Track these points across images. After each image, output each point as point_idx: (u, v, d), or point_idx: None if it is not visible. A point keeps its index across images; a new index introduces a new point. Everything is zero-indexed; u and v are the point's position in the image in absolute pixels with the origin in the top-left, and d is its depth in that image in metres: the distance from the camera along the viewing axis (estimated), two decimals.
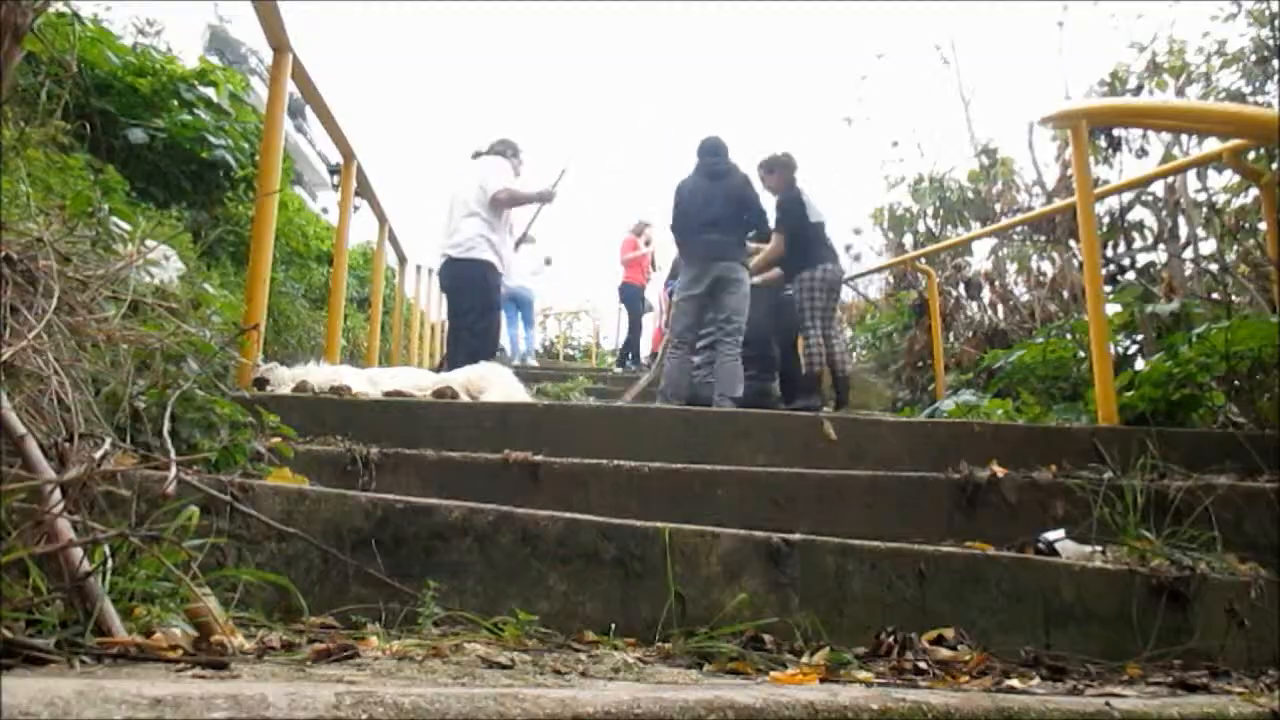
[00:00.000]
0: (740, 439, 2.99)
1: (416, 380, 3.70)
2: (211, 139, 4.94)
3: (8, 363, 1.31)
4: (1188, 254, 5.46)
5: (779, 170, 5.94)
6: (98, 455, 1.27)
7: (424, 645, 1.29)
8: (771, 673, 1.34)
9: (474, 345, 5.32)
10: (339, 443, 2.43)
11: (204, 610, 1.13)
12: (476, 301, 5.51)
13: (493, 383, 3.70)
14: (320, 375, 3.32)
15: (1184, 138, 5.47)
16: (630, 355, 11.20)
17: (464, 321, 5.61)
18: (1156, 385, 3.34)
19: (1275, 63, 5.40)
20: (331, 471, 2.19)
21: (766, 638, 1.54)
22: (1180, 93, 6.06)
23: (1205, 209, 5.46)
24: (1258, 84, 5.52)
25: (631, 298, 11.16)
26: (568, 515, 1.67)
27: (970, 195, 8.07)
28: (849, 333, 9.49)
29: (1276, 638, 1.73)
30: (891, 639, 1.54)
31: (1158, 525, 2.13)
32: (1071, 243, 6.01)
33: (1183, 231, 5.53)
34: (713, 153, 5.59)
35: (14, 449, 1.17)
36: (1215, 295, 4.55)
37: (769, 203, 5.90)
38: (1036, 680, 1.43)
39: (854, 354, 9.18)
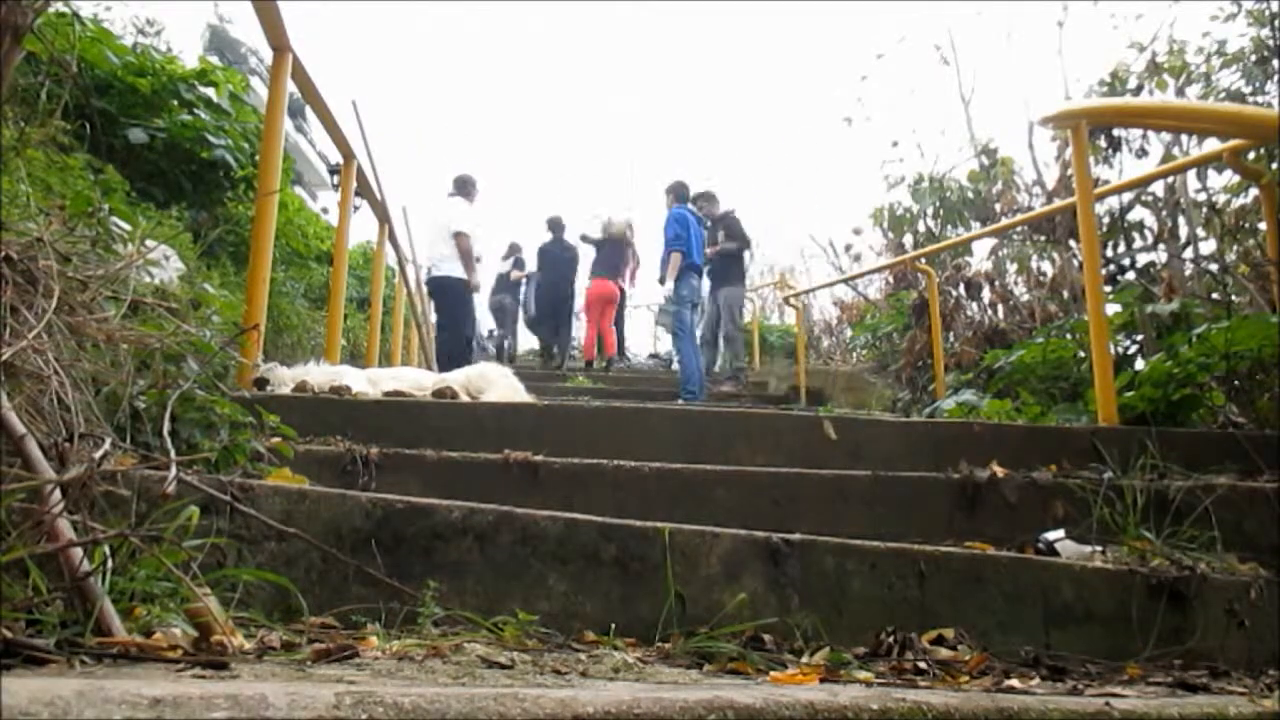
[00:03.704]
0: (740, 439, 2.99)
1: (416, 380, 3.70)
2: (211, 139, 4.94)
3: (8, 363, 1.31)
4: (1188, 254, 5.45)
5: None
6: (98, 455, 1.27)
7: (424, 645, 1.29)
8: (771, 673, 1.34)
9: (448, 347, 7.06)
10: (339, 443, 2.43)
11: (204, 610, 1.13)
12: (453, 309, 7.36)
13: (493, 383, 3.70)
14: (320, 375, 3.32)
15: (1184, 138, 5.46)
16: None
17: (440, 323, 7.55)
18: (1156, 385, 3.33)
19: (1275, 63, 5.38)
20: (331, 471, 2.19)
21: (766, 638, 1.54)
22: (1180, 93, 6.04)
23: (1205, 209, 5.45)
24: (1258, 84, 5.51)
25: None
26: (568, 515, 1.67)
27: (970, 195, 8.07)
28: (849, 332, 9.53)
29: (1276, 638, 1.73)
30: (891, 639, 1.54)
31: (1158, 525, 2.13)
32: (1071, 243, 6.00)
33: (1183, 231, 5.53)
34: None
35: (14, 449, 1.17)
36: (1215, 295, 4.55)
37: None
38: (1036, 680, 1.42)
39: (854, 354, 9.23)
